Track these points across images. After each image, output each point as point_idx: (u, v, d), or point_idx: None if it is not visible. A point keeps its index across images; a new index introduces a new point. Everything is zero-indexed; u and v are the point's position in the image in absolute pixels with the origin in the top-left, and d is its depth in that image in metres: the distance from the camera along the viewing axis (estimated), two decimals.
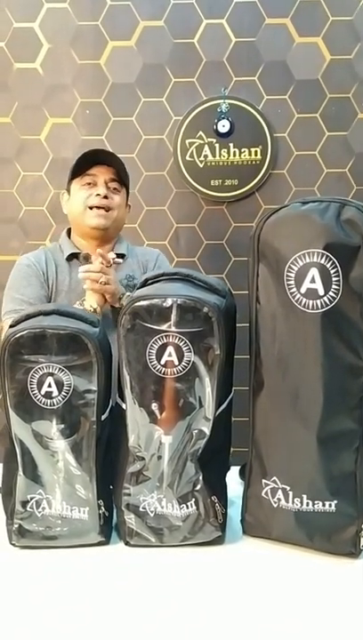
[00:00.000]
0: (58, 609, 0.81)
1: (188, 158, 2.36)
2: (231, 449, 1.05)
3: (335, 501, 0.91)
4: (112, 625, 0.77)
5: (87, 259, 1.53)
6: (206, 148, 2.36)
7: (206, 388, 0.91)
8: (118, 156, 1.62)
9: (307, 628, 0.76)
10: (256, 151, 2.36)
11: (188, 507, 0.94)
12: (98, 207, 1.56)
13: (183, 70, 2.36)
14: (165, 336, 0.90)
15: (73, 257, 1.61)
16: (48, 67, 2.37)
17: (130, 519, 0.95)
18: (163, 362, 0.91)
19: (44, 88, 2.38)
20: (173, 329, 0.90)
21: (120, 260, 1.57)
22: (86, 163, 1.58)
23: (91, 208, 1.56)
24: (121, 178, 1.60)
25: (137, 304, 0.91)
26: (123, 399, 0.95)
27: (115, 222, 1.59)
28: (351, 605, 0.82)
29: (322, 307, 0.88)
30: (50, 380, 0.92)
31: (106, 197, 1.55)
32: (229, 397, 0.99)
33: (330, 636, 0.75)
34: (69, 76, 2.37)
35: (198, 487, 0.94)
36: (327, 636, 0.75)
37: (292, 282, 0.90)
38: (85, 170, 1.58)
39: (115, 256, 1.52)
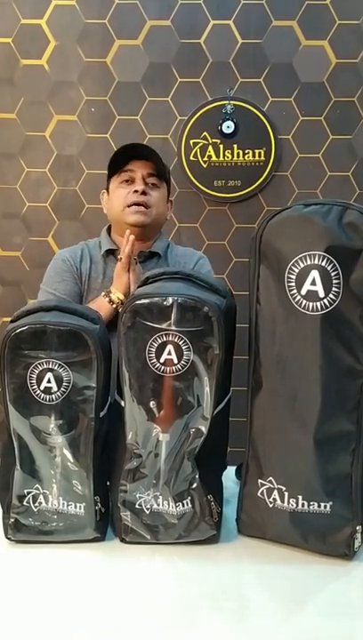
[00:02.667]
0: (52, 603, 0.81)
1: (191, 158, 2.37)
2: (228, 448, 1.06)
3: (331, 503, 0.91)
4: (106, 621, 0.77)
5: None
6: (211, 148, 2.37)
7: (205, 388, 0.92)
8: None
9: (300, 627, 0.77)
10: (260, 153, 2.37)
11: (183, 505, 0.94)
12: (136, 204, 1.50)
13: (189, 70, 2.37)
14: (165, 334, 0.90)
15: (110, 253, 1.58)
16: (54, 64, 2.38)
17: (126, 516, 0.96)
18: (162, 360, 0.91)
19: (49, 85, 2.39)
20: (173, 328, 0.90)
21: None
22: (123, 158, 1.53)
23: (129, 206, 1.51)
24: (160, 172, 1.54)
25: (138, 302, 0.91)
26: (121, 396, 0.96)
27: (154, 219, 1.53)
28: (345, 607, 0.82)
29: (322, 309, 0.89)
30: (49, 375, 0.92)
31: (144, 193, 1.50)
32: (228, 397, 0.99)
33: (323, 636, 0.75)
34: (75, 74, 2.38)
35: (195, 485, 0.94)
36: (321, 637, 0.75)
37: (292, 283, 0.90)
38: (122, 166, 1.53)
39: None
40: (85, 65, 2.38)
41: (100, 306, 1.41)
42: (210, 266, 1.67)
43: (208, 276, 1.05)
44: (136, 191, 1.49)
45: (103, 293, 1.48)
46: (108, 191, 1.60)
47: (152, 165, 1.52)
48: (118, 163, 1.53)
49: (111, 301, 1.44)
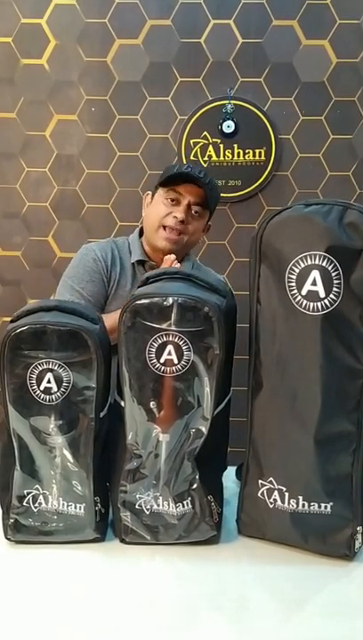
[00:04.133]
0: (52, 604, 0.81)
1: (192, 158, 2.37)
2: (229, 448, 1.06)
3: (331, 503, 0.91)
4: (106, 621, 0.77)
5: (153, 269, 1.51)
6: (211, 148, 2.37)
7: (205, 388, 0.92)
8: (202, 175, 1.50)
9: (300, 628, 0.77)
10: (260, 152, 2.37)
11: (184, 505, 0.94)
12: (171, 228, 1.49)
13: (189, 70, 2.36)
14: (165, 335, 0.90)
15: (140, 264, 1.56)
16: (54, 63, 2.38)
17: (126, 516, 0.96)
18: (162, 360, 0.91)
19: (50, 84, 2.38)
20: (174, 328, 0.90)
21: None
22: (177, 178, 1.50)
23: (164, 227, 1.50)
24: (207, 202, 1.52)
25: (138, 302, 0.91)
26: (121, 397, 0.95)
27: (184, 247, 1.53)
28: (345, 607, 0.82)
29: (322, 309, 0.88)
30: (49, 375, 0.92)
31: (183, 222, 1.49)
32: (228, 397, 0.99)
33: (324, 637, 0.75)
34: (76, 73, 2.38)
35: (195, 486, 0.94)
36: (321, 638, 0.75)
37: (293, 283, 0.90)
38: (174, 184, 1.50)
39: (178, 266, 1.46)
40: (86, 64, 2.37)
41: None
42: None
43: (208, 275, 1.04)
44: (176, 217, 1.48)
45: None
46: (152, 195, 1.58)
47: (202, 194, 1.50)
48: (171, 181, 1.50)
49: None
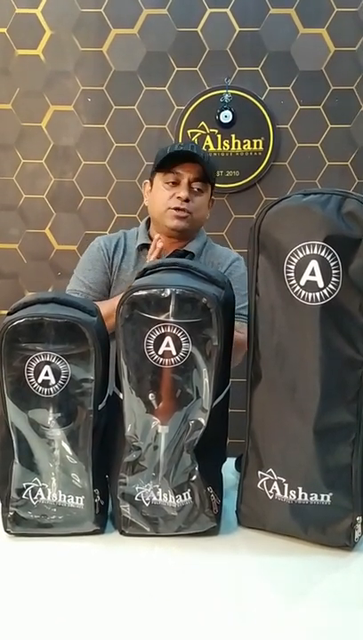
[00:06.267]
0: (52, 596, 0.81)
1: None
2: (228, 440, 1.06)
3: (331, 494, 0.91)
4: (106, 612, 0.77)
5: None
6: (208, 138, 2.35)
7: (204, 379, 0.91)
8: (201, 152, 1.51)
9: (301, 618, 0.77)
10: (258, 142, 2.35)
11: (183, 497, 0.94)
12: (177, 209, 1.49)
13: (186, 59, 2.34)
14: (164, 326, 0.90)
15: (144, 247, 1.57)
16: (50, 53, 2.35)
17: (125, 508, 0.96)
18: (161, 352, 0.91)
19: (45, 75, 2.36)
20: (172, 319, 0.89)
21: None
22: (171, 159, 1.50)
23: (170, 208, 1.49)
24: (207, 176, 1.51)
25: (135, 294, 0.90)
26: (120, 389, 0.95)
27: (193, 223, 1.53)
28: (345, 597, 0.82)
29: (321, 299, 0.88)
30: (47, 368, 0.92)
31: (187, 200, 1.48)
32: (227, 389, 0.99)
33: (324, 627, 0.75)
34: (71, 64, 2.36)
35: (194, 478, 0.94)
36: (321, 628, 0.75)
37: (292, 274, 0.89)
38: (170, 166, 1.50)
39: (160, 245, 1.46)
40: (81, 54, 2.35)
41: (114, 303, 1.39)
42: (245, 268, 1.62)
43: (207, 267, 1.03)
44: (179, 197, 1.47)
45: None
46: (151, 182, 1.57)
47: (199, 170, 1.49)
48: (166, 163, 1.50)
49: None
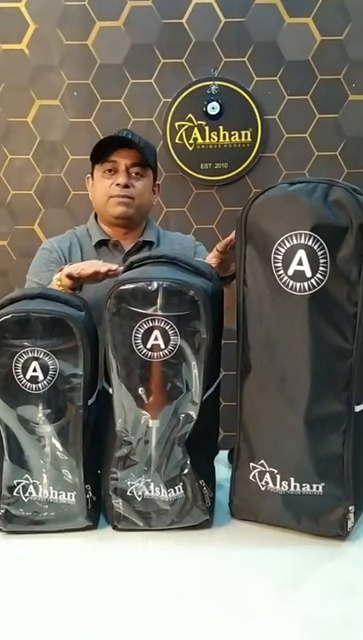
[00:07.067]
0: (46, 592, 0.81)
1: (177, 141, 2.33)
2: (221, 432, 1.05)
3: (323, 484, 0.91)
4: (100, 607, 0.77)
5: (117, 246, 1.49)
6: (196, 130, 2.33)
7: (193, 372, 0.91)
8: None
9: (295, 609, 0.77)
10: (246, 134, 2.34)
11: (175, 491, 0.94)
12: (118, 196, 1.47)
13: (172, 51, 2.32)
14: (151, 320, 0.89)
15: (102, 244, 1.54)
16: (34, 48, 2.33)
17: (117, 503, 0.95)
18: (149, 346, 0.90)
19: (30, 69, 2.34)
20: (159, 312, 0.89)
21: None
22: (106, 147, 1.48)
23: (113, 197, 1.47)
24: (144, 161, 1.49)
25: (122, 287, 0.90)
26: (109, 383, 0.94)
27: (139, 209, 1.50)
28: (339, 587, 0.82)
29: (309, 289, 0.87)
30: (35, 364, 0.91)
31: (127, 186, 1.46)
32: (217, 381, 0.98)
33: (318, 617, 0.75)
34: (56, 57, 2.33)
35: (186, 471, 0.93)
36: (315, 618, 0.75)
37: (279, 264, 0.89)
38: (106, 155, 1.48)
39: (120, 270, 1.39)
40: (66, 48, 2.33)
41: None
42: (203, 244, 1.63)
43: (194, 259, 1.03)
44: (118, 184, 1.46)
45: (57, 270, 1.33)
46: (92, 176, 1.57)
47: (136, 155, 1.47)
48: (101, 152, 1.48)
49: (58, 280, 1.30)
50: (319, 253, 0.86)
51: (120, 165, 1.47)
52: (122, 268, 1.15)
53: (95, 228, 1.56)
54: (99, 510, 0.99)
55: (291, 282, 0.88)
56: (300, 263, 0.87)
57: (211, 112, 2.31)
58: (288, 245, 0.88)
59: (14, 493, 0.95)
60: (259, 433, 0.95)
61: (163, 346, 0.90)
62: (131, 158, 1.47)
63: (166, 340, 0.89)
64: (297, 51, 2.32)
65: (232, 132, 2.33)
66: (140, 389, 0.92)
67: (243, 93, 2.32)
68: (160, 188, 1.61)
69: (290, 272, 0.88)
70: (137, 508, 0.95)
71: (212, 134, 2.33)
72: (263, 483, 0.94)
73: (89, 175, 1.56)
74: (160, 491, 0.94)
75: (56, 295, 0.96)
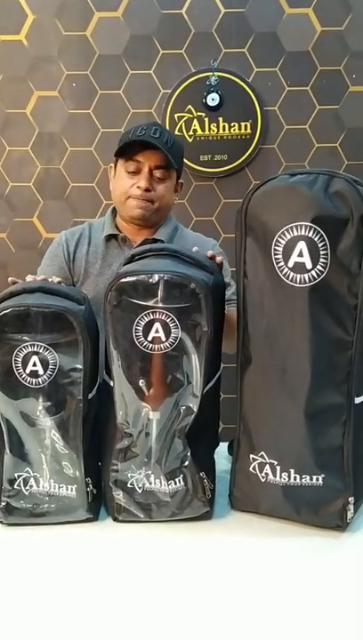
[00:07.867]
0: (47, 585, 0.81)
1: (177, 133, 2.32)
2: (221, 425, 1.05)
3: (323, 475, 0.91)
4: (101, 599, 0.77)
5: (125, 241, 1.48)
6: (196, 122, 2.32)
7: (194, 365, 0.91)
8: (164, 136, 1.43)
9: (295, 600, 0.77)
10: (246, 125, 2.32)
11: (176, 482, 0.94)
12: (138, 198, 1.43)
13: (172, 42, 2.31)
14: (152, 312, 0.89)
15: (111, 238, 1.51)
16: (33, 38, 2.31)
17: (118, 495, 0.95)
18: (150, 338, 0.90)
19: (28, 60, 2.32)
20: (160, 305, 0.89)
21: None
22: (132, 145, 1.43)
23: (132, 197, 1.43)
24: (169, 163, 1.44)
25: (123, 280, 0.89)
26: (110, 376, 0.94)
27: (157, 211, 1.47)
28: (339, 578, 0.82)
29: (310, 281, 0.87)
30: (35, 358, 0.91)
31: (148, 190, 1.42)
32: (218, 374, 0.98)
33: (318, 607, 0.76)
34: (55, 48, 2.32)
35: (186, 463, 0.94)
36: (315, 608, 0.75)
37: (279, 256, 0.89)
38: (131, 153, 1.43)
39: None
40: (65, 39, 2.31)
41: None
42: (224, 254, 1.60)
43: (195, 252, 1.02)
44: (139, 187, 1.42)
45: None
46: (115, 167, 1.51)
47: (161, 157, 1.42)
48: (127, 149, 1.43)
49: None
50: (320, 245, 0.86)
51: (144, 166, 1.42)
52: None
53: (109, 220, 1.53)
54: (99, 503, 0.99)
55: (291, 273, 0.88)
56: (300, 255, 0.87)
57: (210, 103, 2.30)
58: (289, 237, 0.88)
59: (15, 486, 0.95)
60: (259, 425, 0.95)
61: (164, 338, 0.90)
62: (155, 160, 1.42)
63: (167, 332, 0.89)
64: (297, 41, 2.30)
65: (232, 124, 2.32)
66: (140, 382, 0.92)
67: (243, 84, 2.31)
68: (182, 186, 1.56)
69: (290, 264, 0.88)
70: (137, 499, 0.95)
71: (211, 126, 2.32)
72: (263, 474, 0.94)
73: (112, 165, 1.52)
74: (161, 482, 0.94)
75: (56, 289, 0.96)
